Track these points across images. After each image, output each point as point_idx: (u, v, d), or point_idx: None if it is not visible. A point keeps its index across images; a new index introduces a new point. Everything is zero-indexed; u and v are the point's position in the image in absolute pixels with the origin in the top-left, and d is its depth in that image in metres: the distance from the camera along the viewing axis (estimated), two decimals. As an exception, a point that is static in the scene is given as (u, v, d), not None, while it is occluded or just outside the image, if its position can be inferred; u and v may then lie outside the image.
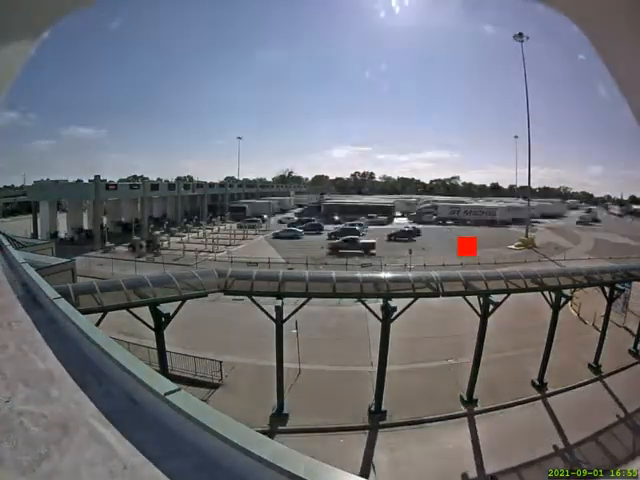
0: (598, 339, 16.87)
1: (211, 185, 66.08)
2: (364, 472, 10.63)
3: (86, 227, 45.95)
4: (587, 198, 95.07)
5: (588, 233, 55.19)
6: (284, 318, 13.10)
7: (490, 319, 14.27)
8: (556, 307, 15.25)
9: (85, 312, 8.67)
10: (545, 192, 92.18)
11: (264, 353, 14.47)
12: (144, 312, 12.01)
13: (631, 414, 13.19)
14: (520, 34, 50.64)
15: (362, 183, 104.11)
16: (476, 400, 14.10)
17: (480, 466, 11.08)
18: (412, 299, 13.45)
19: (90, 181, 43.89)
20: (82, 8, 2.87)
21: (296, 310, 13.66)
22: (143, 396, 2.61)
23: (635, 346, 18.08)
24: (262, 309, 13.41)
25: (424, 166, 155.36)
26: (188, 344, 15.84)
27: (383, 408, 13.39)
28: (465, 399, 14.16)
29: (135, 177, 63.26)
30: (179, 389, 2.46)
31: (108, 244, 40.33)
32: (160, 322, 12.03)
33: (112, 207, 50.85)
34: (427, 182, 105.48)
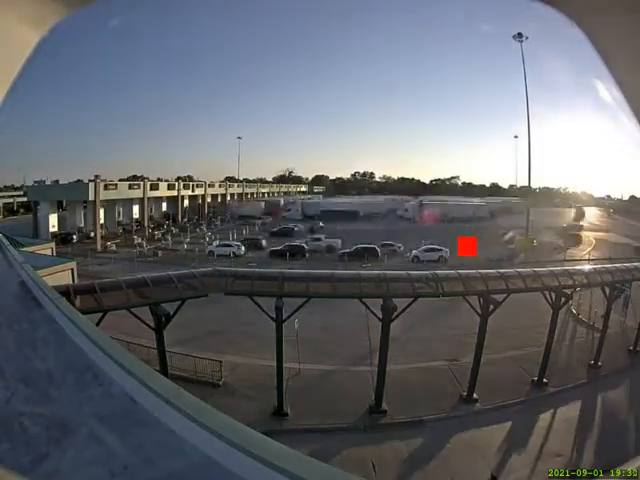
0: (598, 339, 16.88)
1: (211, 185, 65.84)
2: (364, 472, 10.62)
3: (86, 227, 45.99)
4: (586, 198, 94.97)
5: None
6: (284, 318, 13.11)
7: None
8: (556, 307, 15.24)
9: (85, 312, 8.67)
10: (545, 192, 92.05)
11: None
12: (144, 312, 12.01)
13: (631, 414, 13.19)
14: (520, 34, 50.59)
15: (362, 183, 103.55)
16: (476, 400, 14.10)
17: (480, 466, 11.08)
18: (412, 299, 13.43)
19: (90, 181, 43.84)
20: (82, 8, 2.86)
21: (296, 310, 13.66)
22: (143, 396, 2.60)
23: (635, 346, 18.04)
24: (262, 309, 13.40)
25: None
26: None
27: (383, 407, 13.39)
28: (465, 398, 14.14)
29: (135, 177, 62.93)
30: (179, 389, 2.46)
31: (108, 243, 40.47)
32: (160, 322, 12.04)
33: (112, 207, 50.79)
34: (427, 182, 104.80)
